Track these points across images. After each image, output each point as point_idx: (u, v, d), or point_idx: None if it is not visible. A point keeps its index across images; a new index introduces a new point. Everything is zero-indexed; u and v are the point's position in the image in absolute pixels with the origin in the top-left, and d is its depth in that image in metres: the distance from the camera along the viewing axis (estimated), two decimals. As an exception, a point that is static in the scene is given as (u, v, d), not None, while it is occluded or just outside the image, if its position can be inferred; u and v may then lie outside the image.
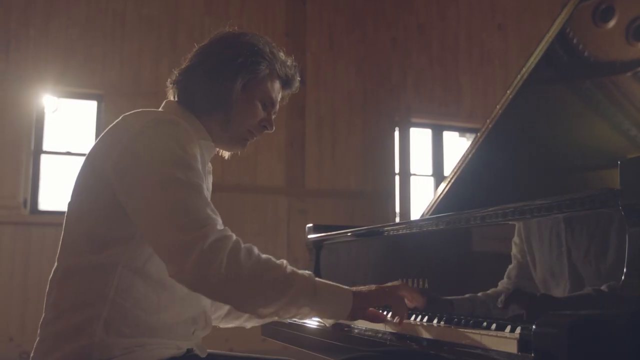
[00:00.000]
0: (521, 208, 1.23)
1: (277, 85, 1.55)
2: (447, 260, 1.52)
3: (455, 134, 6.62)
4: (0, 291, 4.89)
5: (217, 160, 6.21)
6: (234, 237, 1.26)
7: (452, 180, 2.12)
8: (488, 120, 2.03)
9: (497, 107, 2.01)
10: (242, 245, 1.26)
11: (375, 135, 6.20)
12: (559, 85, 2.22)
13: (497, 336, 1.06)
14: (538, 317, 0.92)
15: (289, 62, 1.58)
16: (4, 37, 5.20)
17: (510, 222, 1.27)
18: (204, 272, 1.19)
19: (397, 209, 6.16)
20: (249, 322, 1.71)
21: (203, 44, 1.54)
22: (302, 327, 1.76)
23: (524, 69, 1.98)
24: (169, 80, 1.54)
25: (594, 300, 1.04)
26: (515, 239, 1.27)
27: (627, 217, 0.99)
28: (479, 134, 2.06)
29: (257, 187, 5.81)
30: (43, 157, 5.34)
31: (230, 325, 1.73)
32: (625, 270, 0.97)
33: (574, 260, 1.13)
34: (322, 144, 6.07)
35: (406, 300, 1.40)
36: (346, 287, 1.38)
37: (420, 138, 6.51)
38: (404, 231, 1.73)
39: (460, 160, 2.11)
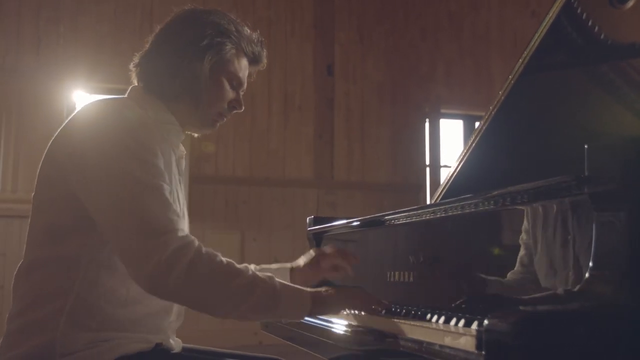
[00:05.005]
0: (484, 198, 1.17)
1: (244, 63, 1.51)
2: (448, 250, 1.46)
3: (488, 124, 6.47)
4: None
5: (246, 153, 6.20)
6: (195, 244, 1.22)
7: (456, 171, 2.05)
8: (491, 107, 1.95)
9: (500, 93, 1.93)
10: (203, 254, 1.22)
11: (404, 127, 6.11)
12: (570, 69, 2.12)
13: (457, 332, 1.01)
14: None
15: (255, 39, 1.53)
16: (34, 35, 5.30)
17: (479, 212, 1.22)
18: (162, 281, 1.17)
19: (428, 201, 6.07)
20: None
21: (164, 24, 1.49)
22: (300, 325, 1.73)
23: (526, 52, 1.89)
24: (132, 64, 1.48)
25: (556, 295, 0.97)
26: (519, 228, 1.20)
27: (595, 205, 0.92)
28: (482, 122, 1.98)
29: (285, 180, 5.80)
30: (74, 152, 5.43)
31: None
32: (591, 264, 0.91)
33: (541, 252, 1.07)
34: (351, 137, 6.02)
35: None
36: (307, 290, 1.35)
37: (452, 129, 6.41)
38: (404, 220, 1.67)
39: (464, 149, 2.04)
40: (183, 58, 1.41)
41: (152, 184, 1.23)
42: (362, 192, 5.95)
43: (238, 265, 1.27)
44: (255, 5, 5.86)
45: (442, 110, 6.20)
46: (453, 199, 1.31)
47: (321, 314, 1.39)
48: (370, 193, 5.95)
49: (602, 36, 2.00)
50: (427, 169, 6.12)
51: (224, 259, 1.26)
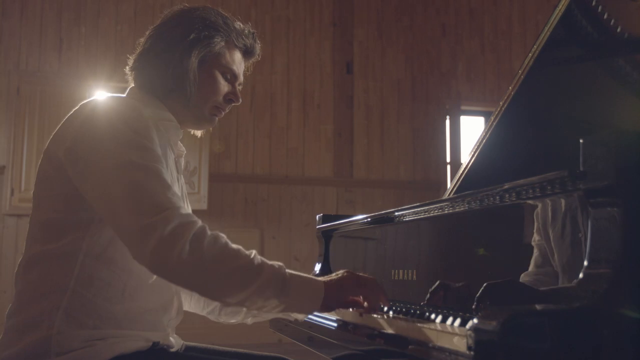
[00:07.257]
0: (474, 196, 1.15)
1: (237, 56, 1.51)
2: (448, 247, 1.44)
3: (510, 121, 6.39)
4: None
5: (265, 151, 6.18)
6: (199, 223, 1.20)
7: (468, 167, 2.02)
8: (501, 103, 1.92)
9: (510, 88, 1.90)
10: (208, 232, 1.20)
11: (425, 124, 6.07)
12: (584, 62, 2.08)
13: (453, 332, 0.99)
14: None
15: (246, 31, 1.52)
16: (56, 36, 5.38)
17: (470, 209, 1.20)
18: (164, 257, 1.15)
19: (449, 199, 6.02)
20: (251, 319, 1.63)
21: (154, 25, 1.49)
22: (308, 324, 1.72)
23: (535, 47, 1.86)
24: (127, 67, 1.49)
25: (549, 292, 0.95)
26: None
27: (590, 201, 0.90)
28: (492, 117, 1.95)
29: (305, 178, 5.80)
30: (96, 151, 5.50)
31: (231, 322, 1.65)
32: (585, 262, 0.88)
33: (535, 249, 1.04)
34: (371, 134, 5.99)
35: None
36: (319, 278, 1.31)
37: (472, 126, 6.35)
38: (410, 217, 1.65)
39: (475, 145, 2.01)
40: (172, 54, 1.42)
41: (149, 167, 1.23)
42: (381, 190, 5.92)
43: (245, 250, 1.24)
44: (274, 3, 5.86)
45: (463, 107, 6.15)
46: (444, 198, 1.30)
47: (336, 302, 1.31)
48: (390, 191, 5.93)
49: (618, 29, 1.96)
50: (448, 166, 6.07)
51: (230, 243, 1.23)
